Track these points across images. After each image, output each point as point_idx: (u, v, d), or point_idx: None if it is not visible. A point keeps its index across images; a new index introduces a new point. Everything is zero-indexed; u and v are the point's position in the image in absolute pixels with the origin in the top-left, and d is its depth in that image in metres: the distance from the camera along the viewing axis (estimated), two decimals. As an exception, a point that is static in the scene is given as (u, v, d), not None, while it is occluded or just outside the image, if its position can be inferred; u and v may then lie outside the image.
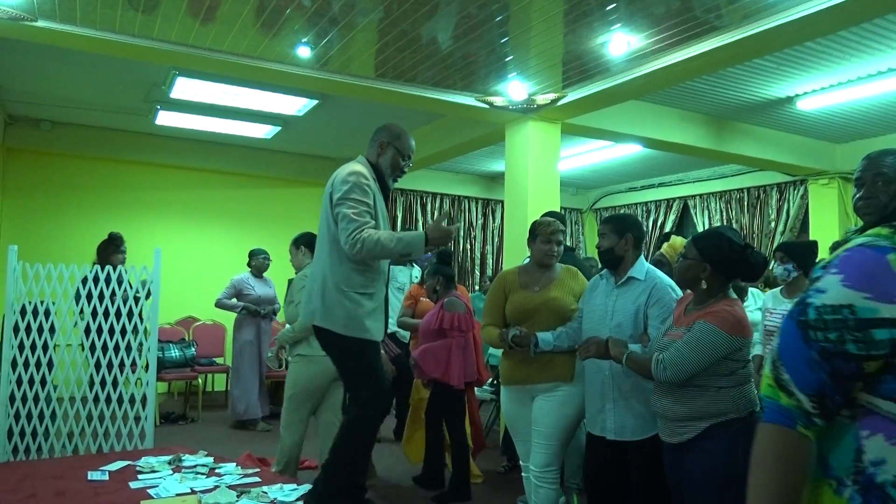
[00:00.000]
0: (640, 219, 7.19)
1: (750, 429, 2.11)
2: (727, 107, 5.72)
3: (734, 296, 2.27)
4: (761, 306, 3.81)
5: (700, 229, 7.91)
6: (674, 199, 8.78)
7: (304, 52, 4.18)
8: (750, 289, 4.34)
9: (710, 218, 8.27)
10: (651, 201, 9.09)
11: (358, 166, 2.71)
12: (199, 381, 6.38)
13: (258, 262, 6.02)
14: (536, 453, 2.75)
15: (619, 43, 3.94)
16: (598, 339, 2.47)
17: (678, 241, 3.20)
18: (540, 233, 2.91)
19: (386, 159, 2.82)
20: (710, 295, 2.24)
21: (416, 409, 4.27)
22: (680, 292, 2.55)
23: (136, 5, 3.65)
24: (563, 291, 2.88)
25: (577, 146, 7.16)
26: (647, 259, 2.83)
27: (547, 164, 5.45)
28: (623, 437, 2.50)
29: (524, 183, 5.37)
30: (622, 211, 9.46)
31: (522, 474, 3.03)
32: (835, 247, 3.22)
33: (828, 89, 5.11)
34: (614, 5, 3.51)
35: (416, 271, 5.54)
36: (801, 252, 3.53)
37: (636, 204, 9.29)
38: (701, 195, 8.39)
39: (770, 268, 3.91)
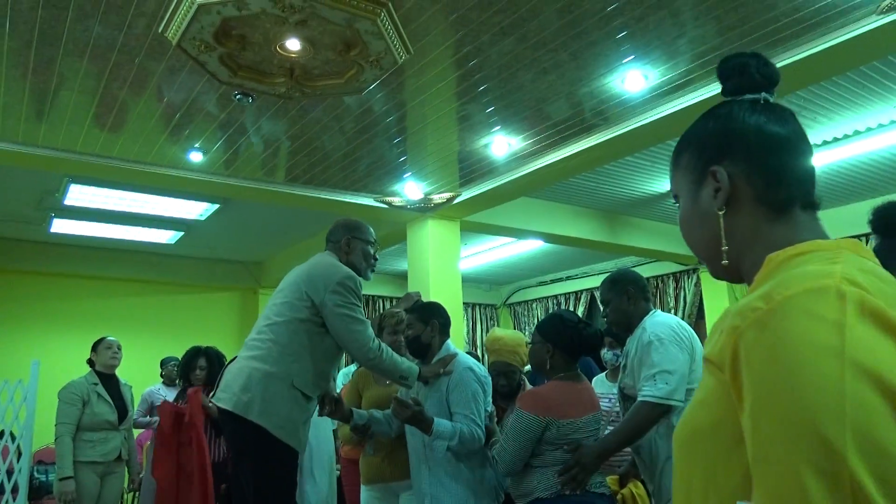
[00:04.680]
0: (550, 310, 7.40)
1: None
2: (616, 202, 6.10)
3: (580, 378, 2.38)
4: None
5: (606, 319, 8.17)
6: (581, 292, 9.08)
7: (196, 157, 4.23)
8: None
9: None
10: (560, 294, 9.37)
11: (346, 269, 2.61)
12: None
13: (168, 371, 5.78)
14: (413, 552, 2.67)
15: (501, 144, 4.20)
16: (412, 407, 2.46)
17: (509, 338, 3.15)
18: (386, 325, 2.98)
19: (357, 256, 2.72)
20: (554, 374, 2.35)
21: None
22: (482, 371, 2.63)
23: (38, 117, 3.65)
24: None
25: (483, 243, 7.40)
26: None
27: (448, 260, 5.59)
28: None
29: (426, 280, 5.46)
30: (535, 305, 9.70)
31: None
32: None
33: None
34: (493, 108, 3.77)
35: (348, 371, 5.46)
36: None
37: (547, 297, 9.55)
38: (605, 286, 8.72)
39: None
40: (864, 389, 0.60)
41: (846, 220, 4.24)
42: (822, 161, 4.96)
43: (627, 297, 2.54)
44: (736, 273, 0.87)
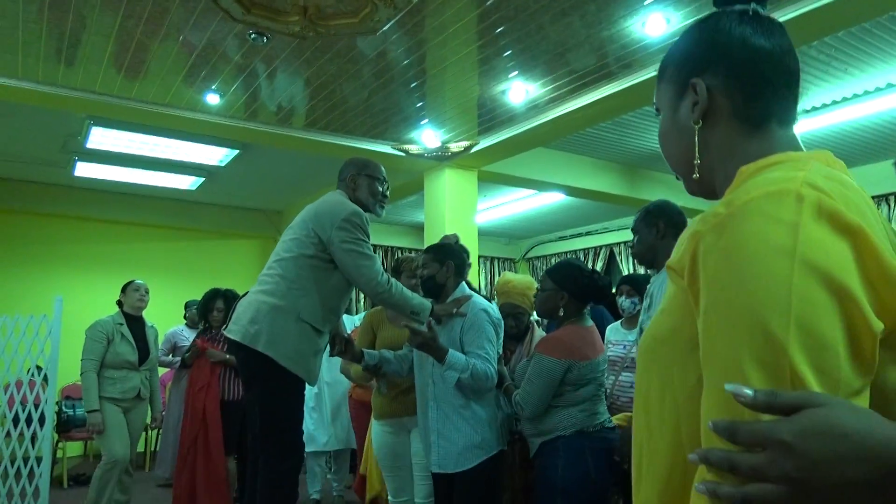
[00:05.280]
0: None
1: (569, 446, 2.30)
2: (637, 154, 6.00)
3: (588, 321, 2.43)
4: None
5: (625, 273, 8.14)
6: (600, 247, 9.03)
7: (213, 99, 4.24)
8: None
9: (634, 264, 8.52)
10: (580, 249, 9.34)
11: (354, 205, 2.64)
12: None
13: (191, 314, 5.93)
14: (420, 486, 2.75)
15: (519, 91, 4.14)
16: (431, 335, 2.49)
17: (519, 282, 3.17)
18: (404, 269, 3.01)
19: (363, 192, 2.75)
20: (566, 320, 2.39)
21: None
22: (497, 314, 2.65)
23: (57, 57, 3.68)
24: None
25: (502, 195, 7.36)
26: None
27: (465, 211, 5.58)
28: (446, 470, 2.52)
29: (442, 230, 5.45)
30: (553, 260, 9.68)
31: None
32: None
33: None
34: (510, 52, 3.70)
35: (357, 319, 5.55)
36: (646, 285, 3.64)
37: (566, 252, 9.52)
38: (625, 242, 8.66)
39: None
40: (812, 286, 0.60)
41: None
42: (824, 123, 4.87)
43: (657, 231, 2.44)
44: (710, 188, 0.87)
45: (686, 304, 0.72)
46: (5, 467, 3.91)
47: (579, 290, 2.46)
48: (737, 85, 0.82)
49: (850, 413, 0.56)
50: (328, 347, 2.71)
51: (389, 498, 3.03)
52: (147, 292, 4.41)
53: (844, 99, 4.55)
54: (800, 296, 0.59)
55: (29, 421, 3.99)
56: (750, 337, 0.60)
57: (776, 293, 0.60)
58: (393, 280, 2.59)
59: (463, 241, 5.33)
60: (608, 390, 3.59)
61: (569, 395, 2.38)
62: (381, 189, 2.81)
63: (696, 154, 0.85)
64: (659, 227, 2.46)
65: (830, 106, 4.64)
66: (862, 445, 0.54)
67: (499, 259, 10.03)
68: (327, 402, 4.57)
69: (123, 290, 4.37)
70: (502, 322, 2.72)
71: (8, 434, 3.94)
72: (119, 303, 4.34)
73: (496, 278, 9.94)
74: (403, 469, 2.92)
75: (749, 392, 0.58)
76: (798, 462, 0.55)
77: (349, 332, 5.33)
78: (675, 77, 0.88)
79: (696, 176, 0.86)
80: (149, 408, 4.43)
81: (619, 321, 3.73)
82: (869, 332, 0.60)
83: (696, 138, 0.85)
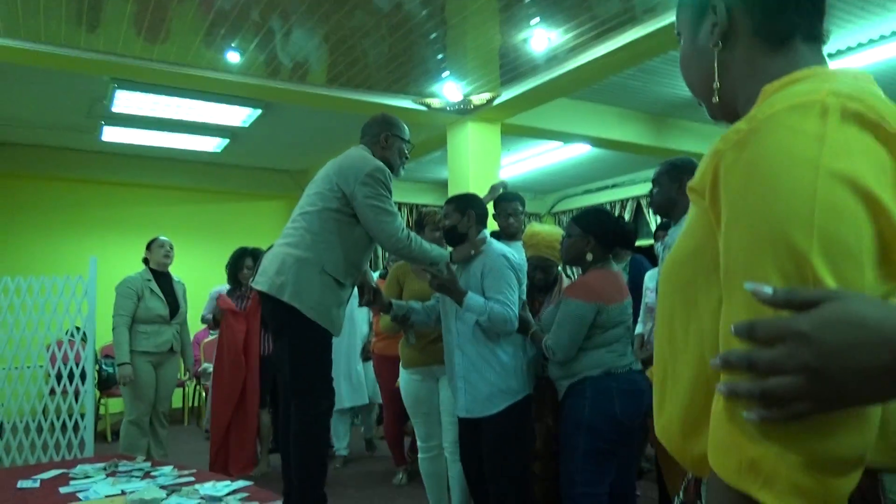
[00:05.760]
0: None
1: (596, 387, 2.35)
2: (663, 103, 5.87)
3: (615, 266, 2.45)
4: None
5: (652, 227, 8.05)
6: (627, 200, 8.94)
7: (233, 57, 4.24)
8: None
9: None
10: (606, 202, 9.24)
11: (377, 161, 2.68)
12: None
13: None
14: (449, 431, 2.81)
15: (541, 39, 4.05)
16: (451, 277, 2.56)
17: (547, 233, 3.18)
18: (427, 222, 3.03)
19: (393, 152, 2.79)
20: (593, 266, 2.41)
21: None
22: (517, 258, 2.67)
23: (78, 19, 3.70)
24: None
25: (527, 149, 7.28)
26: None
27: (489, 165, 5.54)
28: (473, 415, 2.57)
29: (466, 185, 5.44)
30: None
31: (420, 455, 3.12)
32: None
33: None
34: None
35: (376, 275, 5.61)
36: None
37: (592, 206, 9.44)
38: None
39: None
40: (838, 194, 0.59)
41: None
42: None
43: (679, 186, 2.49)
44: (732, 112, 0.85)
45: (708, 225, 0.71)
46: (51, 422, 4.08)
47: (605, 236, 2.48)
48: (757, 1, 0.80)
49: (868, 303, 0.56)
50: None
51: (419, 443, 3.11)
52: (172, 248, 4.46)
53: (882, 37, 4.37)
54: (823, 205, 0.59)
55: (71, 377, 4.14)
56: (773, 249, 0.60)
57: (799, 204, 0.60)
58: (413, 235, 2.62)
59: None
60: (645, 336, 3.60)
61: (597, 337, 2.41)
62: (406, 150, 2.85)
63: (716, 77, 0.84)
64: (682, 182, 2.50)
65: (867, 45, 4.46)
66: (879, 332, 0.54)
67: (525, 214, 9.97)
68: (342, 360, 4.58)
69: (148, 247, 4.43)
70: (525, 266, 2.73)
71: (52, 391, 4.11)
72: (145, 260, 4.41)
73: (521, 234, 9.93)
74: (432, 415, 3.00)
75: (768, 290, 0.58)
76: (816, 351, 0.55)
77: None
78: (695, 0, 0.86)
79: (715, 100, 0.85)
80: (181, 362, 4.56)
81: (656, 267, 3.74)
82: None
83: (716, 61, 0.83)
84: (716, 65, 0.83)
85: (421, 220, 3.29)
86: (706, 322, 0.73)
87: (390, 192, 2.64)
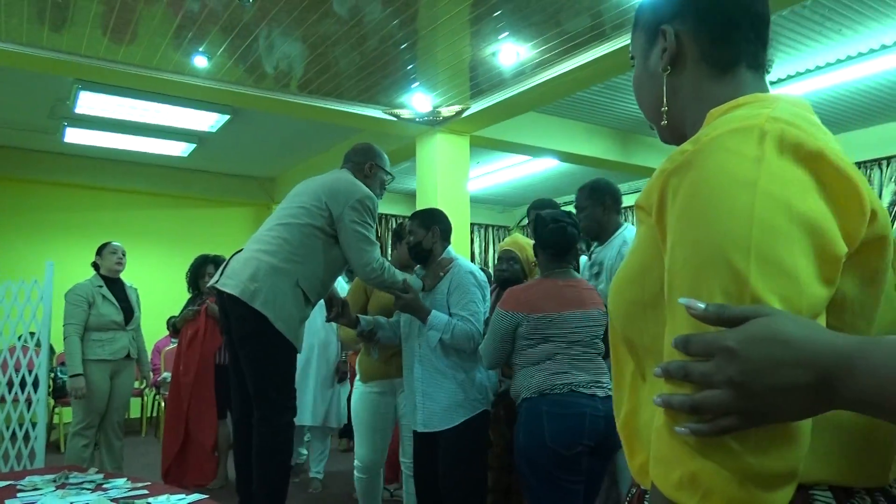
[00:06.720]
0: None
1: (529, 410, 2.19)
2: (630, 119, 5.97)
3: (573, 275, 2.40)
4: None
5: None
6: (595, 214, 9.03)
7: (200, 61, 4.18)
8: None
9: (628, 231, 8.53)
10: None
11: (367, 188, 2.72)
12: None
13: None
14: (408, 446, 2.80)
15: (509, 53, 4.09)
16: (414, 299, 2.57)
17: (522, 238, 3.26)
18: (405, 234, 3.04)
19: (375, 182, 2.86)
20: (544, 275, 2.45)
21: None
22: (482, 276, 2.68)
23: (41, 18, 3.61)
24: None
25: (496, 161, 7.32)
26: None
27: (457, 177, 5.56)
28: (430, 429, 2.57)
29: (434, 197, 5.45)
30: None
31: (357, 475, 3.09)
32: None
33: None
34: (500, 12, 3.65)
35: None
36: None
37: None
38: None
39: None
40: (774, 216, 0.61)
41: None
42: (814, 87, 4.83)
43: (603, 208, 2.65)
44: (680, 134, 0.87)
45: (655, 243, 0.73)
46: (1, 431, 3.95)
47: (540, 240, 2.39)
48: (704, 28, 0.83)
49: (792, 322, 0.58)
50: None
51: (356, 462, 3.09)
52: (124, 254, 4.30)
53: (838, 61, 4.51)
54: (761, 226, 0.61)
55: (23, 385, 4.02)
56: (714, 268, 0.62)
57: (738, 225, 0.61)
58: (387, 265, 2.66)
59: (455, 208, 5.37)
60: None
61: (528, 352, 2.29)
62: (386, 182, 2.94)
63: (664, 101, 0.86)
64: (605, 204, 2.66)
65: (824, 68, 4.60)
66: (801, 350, 0.56)
67: (493, 227, 10.03)
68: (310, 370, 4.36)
69: (99, 252, 4.25)
70: (488, 285, 2.74)
71: (2, 399, 3.98)
72: (95, 265, 4.24)
73: (490, 247, 9.96)
74: (384, 432, 3.01)
75: (701, 305, 0.59)
76: (741, 367, 0.57)
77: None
78: (648, 24, 0.88)
79: (664, 123, 0.87)
80: (139, 371, 4.45)
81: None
82: (832, 255, 0.62)
83: (664, 85, 0.85)
84: (664, 89, 0.85)
85: (399, 231, 3.30)
86: (649, 341, 0.75)
87: (375, 222, 2.70)
